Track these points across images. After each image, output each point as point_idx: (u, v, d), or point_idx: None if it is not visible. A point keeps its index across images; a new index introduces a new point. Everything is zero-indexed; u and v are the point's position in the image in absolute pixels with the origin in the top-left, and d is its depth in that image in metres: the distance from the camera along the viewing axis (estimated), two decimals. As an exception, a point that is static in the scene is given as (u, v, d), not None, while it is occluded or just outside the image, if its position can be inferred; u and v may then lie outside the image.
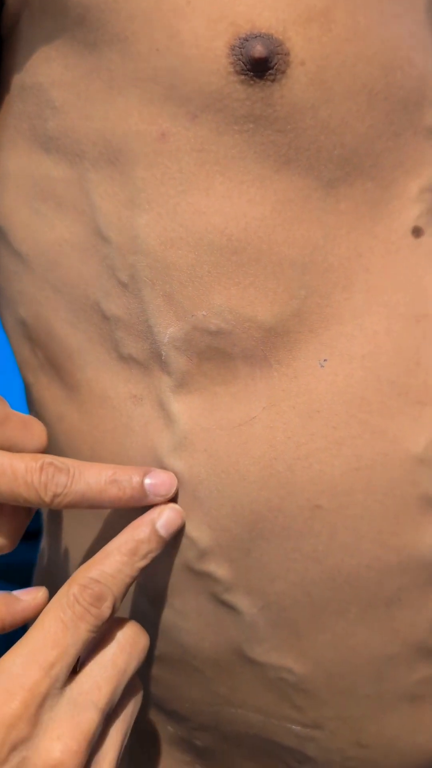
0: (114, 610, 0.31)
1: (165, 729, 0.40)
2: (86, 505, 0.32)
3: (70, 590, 0.30)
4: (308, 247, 0.31)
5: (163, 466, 0.34)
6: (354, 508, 0.32)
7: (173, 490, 0.33)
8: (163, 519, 0.33)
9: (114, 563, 0.31)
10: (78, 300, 0.34)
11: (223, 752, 0.40)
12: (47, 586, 0.44)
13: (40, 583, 0.46)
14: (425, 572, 0.33)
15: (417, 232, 0.32)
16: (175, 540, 0.34)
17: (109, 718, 0.31)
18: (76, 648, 0.30)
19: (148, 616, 0.36)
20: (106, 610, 0.30)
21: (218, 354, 0.32)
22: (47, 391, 0.37)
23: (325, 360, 0.32)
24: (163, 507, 0.33)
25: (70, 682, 0.30)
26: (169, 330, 0.32)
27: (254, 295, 0.31)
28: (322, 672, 0.35)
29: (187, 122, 0.30)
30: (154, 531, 0.32)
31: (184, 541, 0.34)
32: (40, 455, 0.32)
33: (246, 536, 0.33)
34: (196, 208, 0.30)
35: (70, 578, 0.31)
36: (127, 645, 0.32)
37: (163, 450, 0.34)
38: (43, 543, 0.46)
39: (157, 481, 0.33)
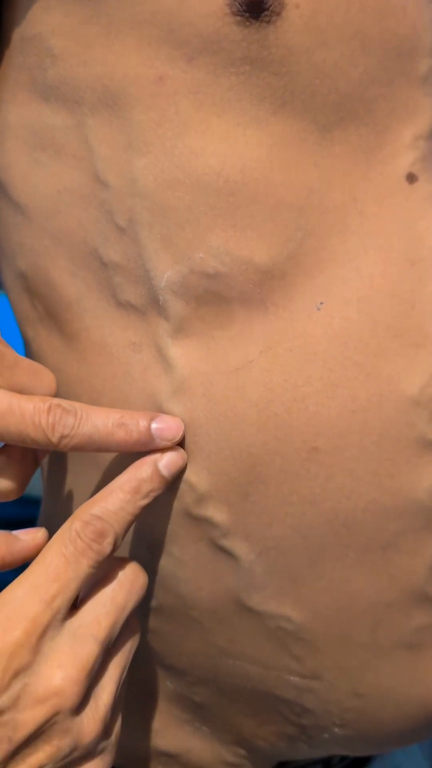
0: (115, 546, 0.31)
1: (164, 685, 0.41)
2: (93, 447, 0.32)
3: (72, 526, 0.31)
4: (304, 190, 0.31)
5: (162, 412, 0.34)
6: (350, 450, 0.32)
7: (180, 435, 0.33)
8: (165, 459, 0.33)
9: (116, 501, 0.32)
10: (77, 248, 0.34)
11: (222, 708, 0.40)
12: (49, 515, 0.44)
13: (44, 510, 0.46)
14: (421, 516, 0.33)
15: (411, 178, 0.32)
16: (173, 485, 0.34)
17: (108, 652, 0.32)
18: (77, 582, 0.30)
19: (147, 566, 0.36)
20: (107, 546, 0.31)
21: (215, 298, 0.32)
22: (46, 343, 0.37)
23: (321, 303, 0.32)
24: (165, 448, 0.33)
25: (71, 616, 0.31)
26: (166, 274, 0.32)
27: (251, 237, 0.31)
28: (320, 620, 0.35)
29: (184, 65, 0.30)
30: (157, 470, 0.33)
31: (183, 486, 0.34)
32: (48, 397, 0.32)
33: (244, 480, 0.33)
34: (193, 150, 0.31)
35: (73, 515, 0.31)
36: (127, 582, 0.32)
37: (163, 396, 0.34)
38: (43, 501, 0.46)
39: (163, 426, 0.33)
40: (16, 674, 0.29)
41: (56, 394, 0.37)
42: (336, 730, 0.38)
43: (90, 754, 0.31)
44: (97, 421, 0.32)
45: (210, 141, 0.31)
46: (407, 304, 0.32)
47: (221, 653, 0.37)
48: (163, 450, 0.33)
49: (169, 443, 0.33)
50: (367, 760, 0.51)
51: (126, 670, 0.32)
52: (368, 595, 0.34)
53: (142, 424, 0.32)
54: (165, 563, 0.36)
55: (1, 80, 0.36)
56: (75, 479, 0.40)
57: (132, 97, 0.31)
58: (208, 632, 0.37)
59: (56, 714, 0.29)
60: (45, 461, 0.43)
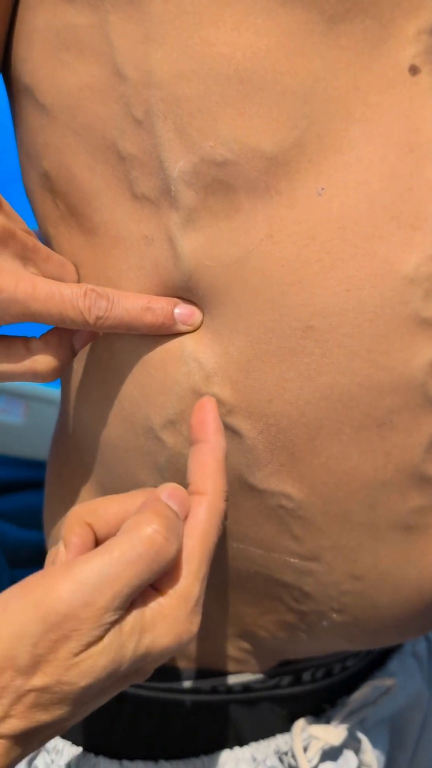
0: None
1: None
2: (124, 329, 0.36)
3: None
4: (310, 79, 0.33)
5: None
6: (345, 327, 0.34)
7: (198, 320, 0.37)
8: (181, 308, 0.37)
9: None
10: (97, 142, 0.36)
11: (226, 597, 0.42)
12: (65, 448, 0.46)
13: (58, 448, 0.48)
14: (416, 394, 0.35)
15: (413, 70, 0.34)
16: (185, 366, 0.37)
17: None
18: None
19: (159, 446, 0.39)
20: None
21: (223, 187, 0.34)
22: (67, 240, 0.40)
23: (322, 189, 0.34)
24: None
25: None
26: (178, 164, 0.34)
27: (258, 124, 0.33)
28: (319, 497, 0.37)
29: None
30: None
31: (192, 365, 0.37)
32: (84, 284, 0.36)
33: (244, 358, 0.36)
34: (206, 40, 0.33)
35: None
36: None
37: (173, 290, 0.36)
38: (60, 415, 0.48)
39: (185, 311, 0.37)
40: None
41: (74, 268, 0.40)
42: (334, 615, 0.40)
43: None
44: (127, 305, 0.36)
45: (223, 31, 0.33)
46: (405, 188, 0.33)
47: (227, 535, 0.40)
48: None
49: (189, 328, 0.37)
50: (367, 675, 0.53)
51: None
52: (364, 472, 0.36)
53: (167, 308, 0.36)
54: (175, 442, 0.38)
55: None
56: (88, 381, 0.42)
57: None
58: (213, 513, 0.39)
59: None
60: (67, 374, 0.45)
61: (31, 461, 0.96)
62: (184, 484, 0.36)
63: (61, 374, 0.39)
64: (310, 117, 0.33)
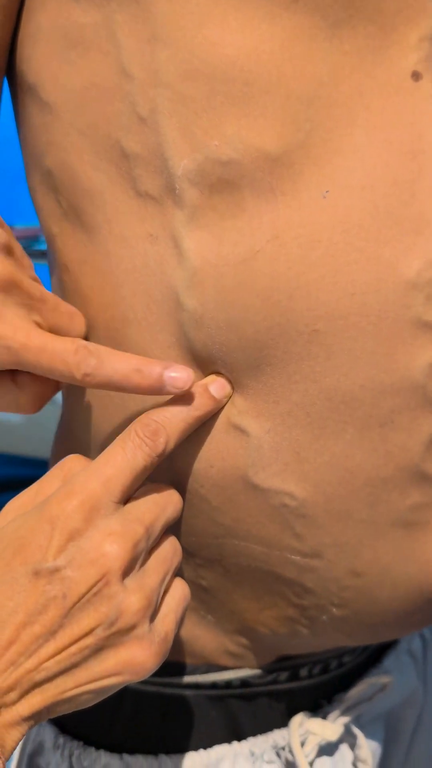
0: (166, 446, 0.35)
1: (173, 569, 0.43)
2: (112, 387, 0.37)
3: (132, 426, 0.36)
4: (314, 83, 0.33)
5: (180, 304, 0.37)
6: (349, 330, 0.35)
7: (189, 385, 0.36)
8: (214, 385, 0.37)
9: (172, 409, 0.37)
10: (101, 141, 0.37)
11: (227, 592, 0.43)
12: (68, 446, 0.47)
13: (61, 447, 0.49)
14: (416, 395, 0.35)
15: (416, 76, 0.34)
16: (197, 372, 0.38)
17: (150, 551, 0.36)
18: (132, 472, 0.35)
19: None
20: (160, 444, 0.35)
21: (228, 186, 0.35)
22: (71, 238, 0.40)
23: (326, 191, 0.34)
24: (213, 376, 0.38)
25: (122, 506, 0.35)
26: (183, 162, 0.35)
27: (263, 125, 0.34)
28: (321, 495, 0.37)
29: None
30: (207, 390, 0.37)
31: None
32: (77, 339, 0.37)
33: (253, 363, 0.36)
34: (211, 41, 0.33)
35: (136, 419, 0.36)
36: (165, 494, 0.37)
37: (179, 288, 0.37)
38: (63, 413, 0.49)
39: (176, 375, 0.36)
40: (72, 537, 0.33)
41: (80, 288, 0.40)
42: (334, 610, 0.41)
43: (133, 629, 0.34)
44: (117, 365, 0.36)
45: (227, 32, 0.33)
46: (408, 193, 0.34)
47: (227, 533, 0.40)
48: (212, 377, 0.37)
49: (179, 391, 0.36)
50: (363, 671, 0.54)
51: (168, 577, 0.36)
52: (366, 471, 0.37)
53: (156, 371, 0.36)
54: (183, 441, 0.39)
55: None
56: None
57: None
58: (215, 511, 0.40)
59: (104, 576, 0.33)
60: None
61: (30, 459, 0.96)
62: (188, 480, 0.37)
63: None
64: (314, 120, 0.34)
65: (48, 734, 0.48)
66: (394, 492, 0.37)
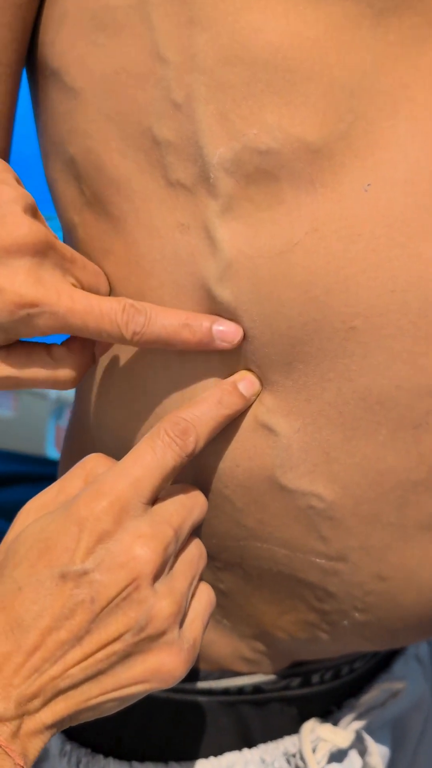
0: (196, 445, 0.34)
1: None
2: (161, 344, 0.35)
3: (161, 426, 0.34)
4: (358, 72, 0.32)
5: (211, 296, 0.36)
6: (387, 328, 0.34)
7: (238, 339, 0.35)
8: (243, 382, 0.36)
9: (201, 407, 0.35)
10: (130, 127, 0.35)
11: (245, 596, 0.42)
12: (82, 443, 0.45)
13: (75, 443, 0.47)
14: (453, 396, 0.35)
15: None
16: (225, 361, 0.36)
17: (177, 554, 0.34)
18: (162, 472, 0.33)
19: None
20: (190, 443, 0.34)
21: (265, 177, 0.34)
22: (94, 227, 0.39)
23: (368, 185, 0.33)
24: (242, 373, 0.36)
25: (152, 507, 0.34)
26: (219, 150, 0.33)
27: (305, 114, 0.33)
28: (350, 497, 0.36)
29: None
30: (236, 388, 0.36)
31: (232, 363, 0.36)
32: (122, 298, 0.35)
33: (285, 359, 0.35)
34: (253, 26, 0.32)
35: (164, 418, 0.35)
36: (192, 497, 0.36)
37: (211, 279, 0.35)
38: (75, 409, 0.47)
39: (224, 329, 0.35)
40: (101, 540, 0.32)
41: (106, 278, 0.39)
42: (356, 615, 0.40)
43: (163, 635, 0.32)
44: (165, 321, 0.35)
45: (270, 17, 0.32)
46: (450, 188, 0.33)
47: (250, 536, 0.39)
48: (241, 374, 0.36)
49: (228, 345, 0.35)
50: (371, 677, 0.53)
51: (195, 581, 0.35)
52: (397, 473, 0.36)
53: (205, 325, 0.35)
54: None
55: None
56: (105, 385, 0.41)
57: None
58: (239, 512, 0.38)
59: (135, 579, 0.32)
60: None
61: (21, 455, 0.94)
62: (212, 479, 0.35)
63: (81, 381, 0.38)
64: (357, 111, 0.33)
65: (54, 741, 0.46)
66: (424, 494, 0.36)
